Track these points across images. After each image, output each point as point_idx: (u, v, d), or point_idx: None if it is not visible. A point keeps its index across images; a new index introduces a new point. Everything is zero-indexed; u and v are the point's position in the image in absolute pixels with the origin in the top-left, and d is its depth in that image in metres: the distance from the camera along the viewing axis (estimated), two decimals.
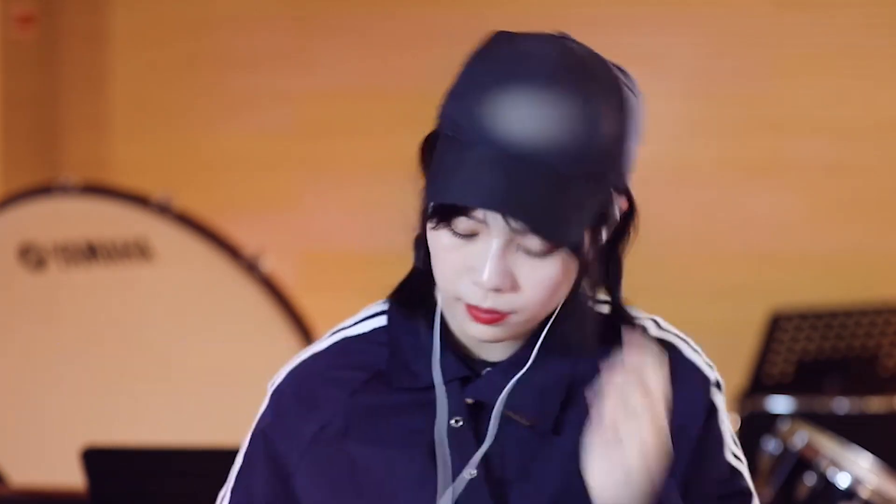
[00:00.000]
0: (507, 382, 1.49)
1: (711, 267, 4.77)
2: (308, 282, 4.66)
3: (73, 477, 2.91)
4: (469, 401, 1.50)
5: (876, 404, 3.72)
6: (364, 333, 1.56)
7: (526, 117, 1.39)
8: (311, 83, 4.93)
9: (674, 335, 1.56)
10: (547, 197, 1.39)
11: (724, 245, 4.78)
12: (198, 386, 3.55)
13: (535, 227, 1.39)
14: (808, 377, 3.94)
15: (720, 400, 1.56)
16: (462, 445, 1.48)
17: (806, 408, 3.67)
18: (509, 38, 1.45)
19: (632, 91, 1.48)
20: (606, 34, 4.74)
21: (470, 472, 1.48)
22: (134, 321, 3.67)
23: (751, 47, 4.78)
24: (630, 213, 1.51)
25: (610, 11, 4.77)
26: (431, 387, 1.50)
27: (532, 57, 1.42)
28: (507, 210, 1.38)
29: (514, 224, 1.39)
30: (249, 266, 3.82)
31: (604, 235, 1.48)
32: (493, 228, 1.41)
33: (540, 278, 1.43)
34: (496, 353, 1.52)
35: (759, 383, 3.90)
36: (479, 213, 1.41)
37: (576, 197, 1.40)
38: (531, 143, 1.38)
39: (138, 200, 3.83)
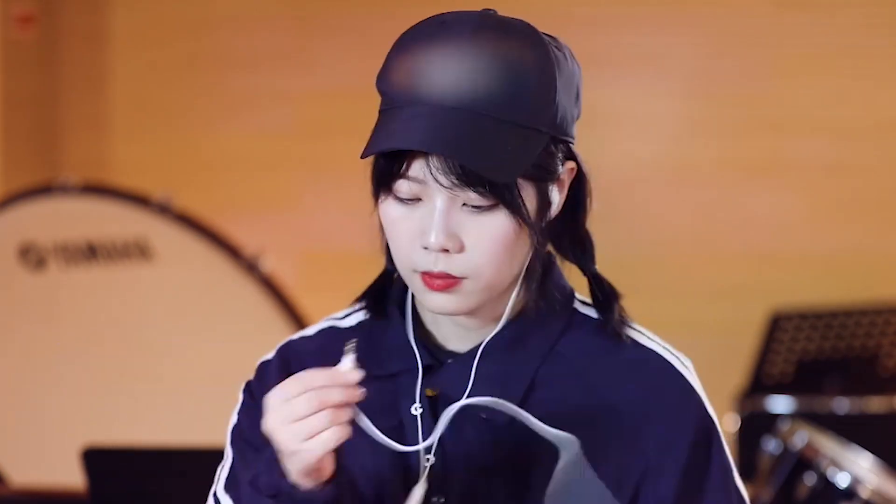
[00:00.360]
0: (467, 373, 1.52)
1: (711, 267, 4.77)
2: (308, 282, 4.66)
3: (73, 477, 2.91)
4: (429, 391, 1.53)
5: (876, 404, 3.73)
6: (350, 326, 1.60)
7: (449, 70, 1.42)
8: (311, 83, 4.93)
9: (662, 347, 1.56)
10: (473, 136, 1.41)
11: (725, 245, 4.78)
12: (198, 386, 3.55)
13: (462, 160, 1.41)
14: (808, 377, 3.94)
15: (715, 421, 1.54)
16: (421, 432, 1.52)
17: (806, 408, 3.68)
18: (431, 16, 1.49)
19: (562, 53, 1.49)
20: (606, 34, 4.76)
21: (427, 458, 1.51)
22: (134, 321, 3.67)
23: (751, 47, 4.78)
24: (581, 179, 1.53)
25: (610, 11, 4.77)
26: (396, 375, 1.54)
27: (451, 20, 1.46)
28: (430, 147, 1.41)
29: (443, 179, 1.41)
30: (249, 266, 3.83)
31: (554, 199, 1.49)
32: (433, 187, 1.43)
33: (486, 234, 1.44)
34: (464, 345, 1.54)
35: (759, 383, 3.90)
36: (417, 172, 1.43)
37: (504, 139, 1.42)
38: (456, 94, 1.42)
39: (138, 200, 3.83)
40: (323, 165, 4.91)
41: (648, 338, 1.56)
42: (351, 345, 1.45)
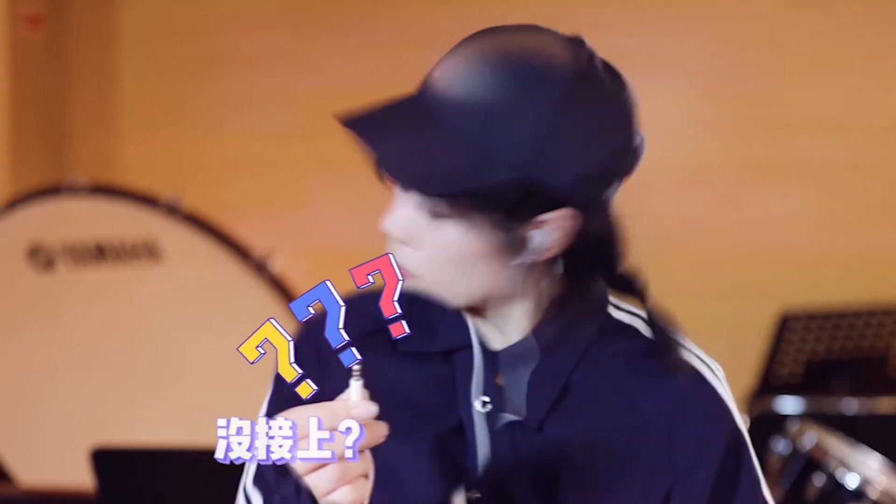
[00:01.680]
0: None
1: (721, 267, 4.76)
2: (317, 282, 4.65)
3: (81, 477, 2.92)
4: (499, 379, 1.49)
5: (885, 405, 3.72)
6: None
7: (445, 74, 1.43)
8: (320, 83, 4.93)
9: (694, 355, 1.54)
10: (416, 140, 1.42)
11: (734, 245, 4.77)
12: (206, 386, 3.55)
13: (382, 158, 1.42)
14: (817, 377, 3.94)
15: (744, 432, 1.53)
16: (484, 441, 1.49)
17: (815, 408, 3.67)
18: (490, 27, 1.49)
19: (596, 95, 1.45)
20: (614, 34, 4.74)
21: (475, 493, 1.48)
22: (142, 322, 3.67)
23: (760, 47, 4.78)
24: (593, 233, 1.46)
25: (618, 11, 4.77)
26: (452, 353, 1.49)
27: (481, 36, 1.46)
28: (362, 136, 1.43)
29: (386, 174, 1.43)
30: (259, 267, 3.82)
31: (535, 240, 1.44)
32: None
33: (437, 240, 1.44)
34: (493, 344, 1.52)
35: (769, 384, 3.90)
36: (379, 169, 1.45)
37: (445, 152, 1.41)
38: (433, 94, 1.42)
39: (147, 200, 3.83)
40: (332, 165, 4.90)
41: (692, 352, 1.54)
42: (358, 367, 1.29)
